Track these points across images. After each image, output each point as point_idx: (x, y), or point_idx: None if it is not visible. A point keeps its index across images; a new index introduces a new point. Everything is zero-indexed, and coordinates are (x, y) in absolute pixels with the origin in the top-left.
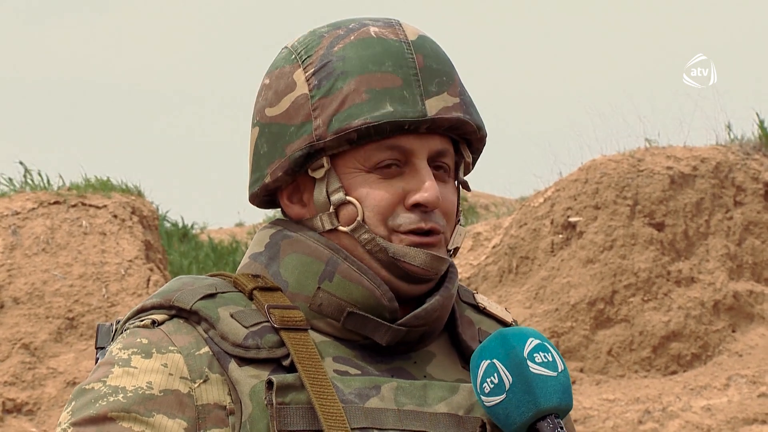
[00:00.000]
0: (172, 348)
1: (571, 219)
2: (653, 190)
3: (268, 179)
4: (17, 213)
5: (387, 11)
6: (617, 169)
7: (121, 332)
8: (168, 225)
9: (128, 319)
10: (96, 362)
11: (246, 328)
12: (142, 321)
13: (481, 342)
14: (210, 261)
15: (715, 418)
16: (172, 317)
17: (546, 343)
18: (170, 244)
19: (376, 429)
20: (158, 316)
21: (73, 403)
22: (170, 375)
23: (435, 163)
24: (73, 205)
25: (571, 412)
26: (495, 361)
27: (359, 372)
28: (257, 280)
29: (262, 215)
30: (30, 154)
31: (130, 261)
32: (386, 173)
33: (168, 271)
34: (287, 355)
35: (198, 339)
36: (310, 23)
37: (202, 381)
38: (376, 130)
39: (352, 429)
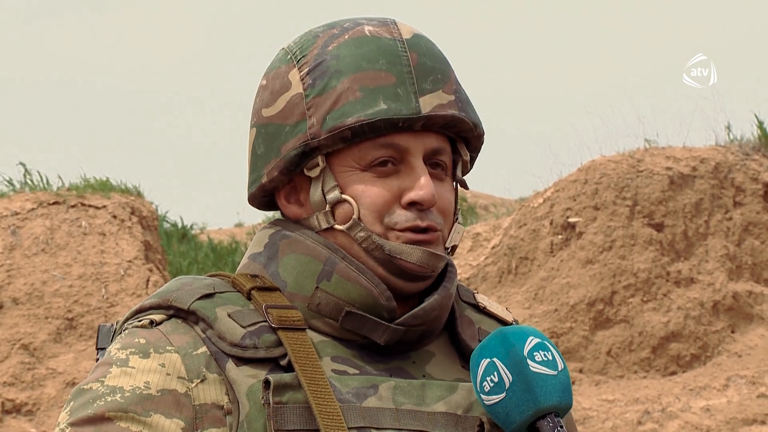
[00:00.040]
0: (170, 348)
1: (571, 219)
2: (653, 190)
3: (264, 179)
4: (17, 213)
5: (386, 11)
6: (617, 170)
7: (120, 332)
8: (167, 225)
9: (127, 319)
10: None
11: (243, 327)
12: (140, 321)
13: (480, 341)
14: (209, 261)
15: (714, 419)
16: (170, 317)
17: (546, 342)
18: (170, 244)
19: (374, 428)
20: (156, 316)
21: (71, 403)
22: (168, 375)
23: (431, 161)
24: (73, 206)
25: (570, 413)
26: (495, 359)
27: (357, 372)
28: (256, 280)
29: (262, 216)
30: (30, 154)
31: (130, 261)
32: (382, 171)
33: (167, 271)
34: (285, 355)
35: (196, 339)
36: (310, 23)
37: (199, 381)
38: (370, 127)
39: (349, 428)
